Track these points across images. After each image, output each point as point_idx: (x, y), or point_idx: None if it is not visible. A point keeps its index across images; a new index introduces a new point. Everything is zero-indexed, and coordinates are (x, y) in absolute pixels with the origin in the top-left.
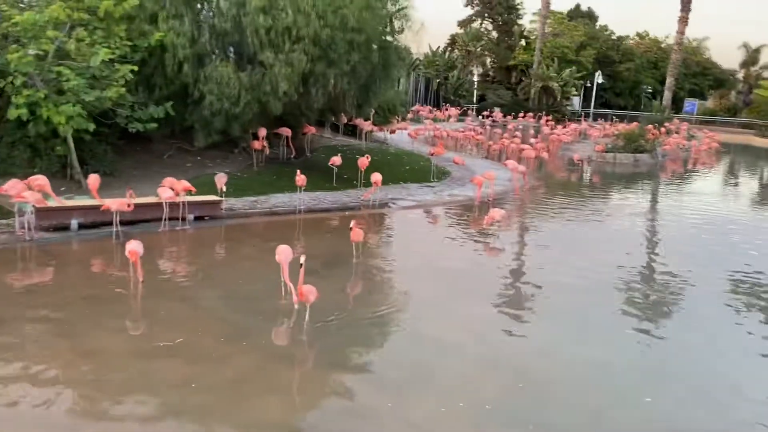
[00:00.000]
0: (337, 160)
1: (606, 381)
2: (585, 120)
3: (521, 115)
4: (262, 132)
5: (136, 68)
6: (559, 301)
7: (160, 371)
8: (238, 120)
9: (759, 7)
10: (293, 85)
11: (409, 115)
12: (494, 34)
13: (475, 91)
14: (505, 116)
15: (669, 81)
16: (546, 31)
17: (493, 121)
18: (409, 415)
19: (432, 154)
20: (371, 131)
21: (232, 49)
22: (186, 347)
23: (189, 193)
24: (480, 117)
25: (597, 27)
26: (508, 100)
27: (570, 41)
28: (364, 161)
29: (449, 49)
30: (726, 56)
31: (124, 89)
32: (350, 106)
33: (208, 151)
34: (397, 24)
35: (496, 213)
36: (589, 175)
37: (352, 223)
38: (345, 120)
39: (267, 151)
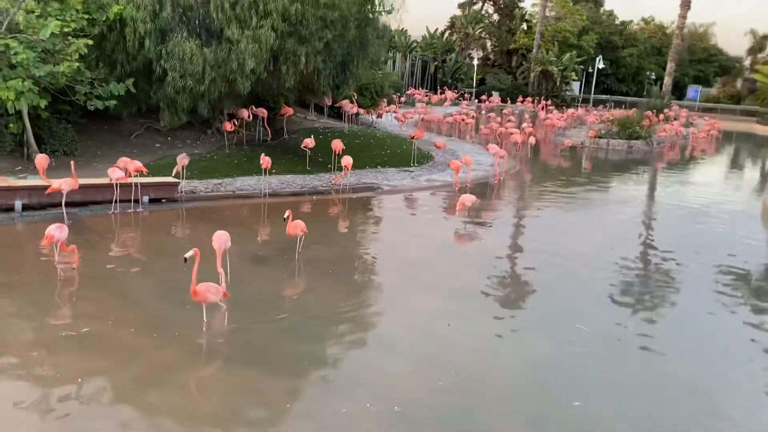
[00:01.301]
0: (309, 142)
1: (542, 383)
2: (582, 106)
3: (519, 99)
4: (243, 113)
5: (91, 42)
6: (520, 296)
7: (53, 363)
8: (205, 99)
9: None
10: (262, 63)
11: (402, 99)
12: (495, 17)
13: (474, 75)
14: (503, 101)
15: (669, 66)
16: (548, 14)
17: (489, 105)
18: (325, 416)
19: (412, 138)
20: (358, 114)
21: (199, 23)
22: (89, 338)
23: (142, 174)
24: (477, 101)
25: (602, 12)
26: (507, 85)
27: (572, 25)
28: (338, 144)
29: (449, 31)
30: (732, 43)
31: (77, 64)
32: (326, 86)
33: (180, 132)
34: (376, 0)
35: (466, 199)
36: (578, 161)
37: (287, 213)
38: (329, 102)
39: (233, 131)
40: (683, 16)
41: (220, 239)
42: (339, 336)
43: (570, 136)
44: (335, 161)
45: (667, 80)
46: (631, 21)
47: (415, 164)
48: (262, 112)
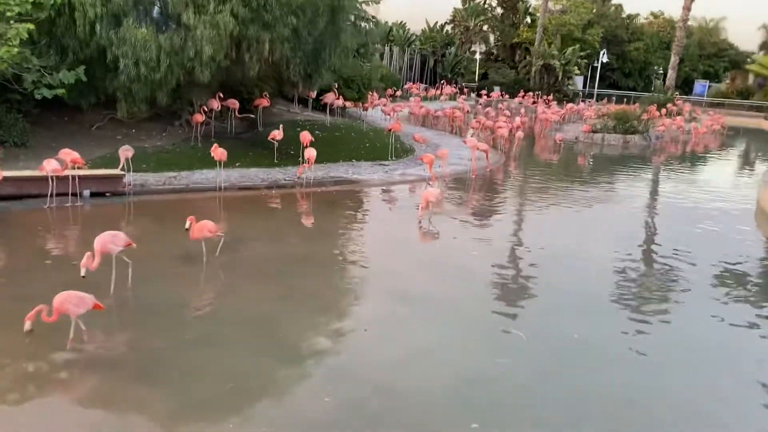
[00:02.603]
0: (277, 134)
1: (458, 400)
2: (584, 100)
3: (521, 94)
4: (212, 104)
5: (32, 27)
6: (466, 299)
7: None
8: (163, 88)
9: None
10: (222, 50)
11: (398, 93)
12: (499, 10)
13: (477, 70)
14: (503, 95)
15: (673, 60)
16: (552, 8)
17: (487, 99)
18: None
19: (390, 130)
20: (344, 107)
21: (157, 9)
22: None
23: (76, 166)
24: (476, 96)
25: (610, 5)
26: (510, 79)
27: (577, 19)
28: (306, 136)
29: (450, 25)
30: (745, 38)
31: (16, 50)
32: (296, 76)
33: (145, 123)
34: None
35: (429, 194)
36: (568, 156)
37: (188, 223)
38: (313, 94)
39: (203, 122)
40: (687, 8)
41: (101, 241)
42: (246, 345)
43: (567, 131)
44: (303, 154)
45: (671, 74)
46: (638, 14)
47: (393, 158)
48: (233, 103)
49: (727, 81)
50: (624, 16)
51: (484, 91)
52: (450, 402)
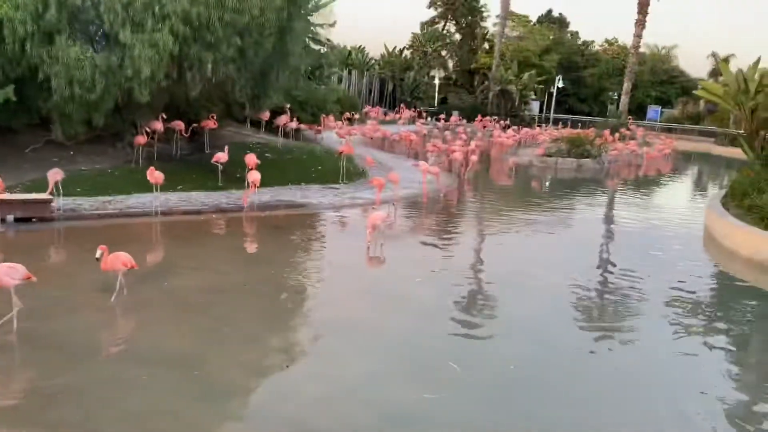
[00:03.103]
0: (222, 156)
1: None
2: (539, 125)
3: (478, 119)
4: (156, 125)
5: None
6: (403, 332)
7: None
8: (100, 109)
9: (729, 18)
10: (162, 69)
11: (356, 116)
12: (457, 36)
13: (436, 94)
14: (461, 119)
15: (626, 86)
16: (511, 34)
17: (445, 124)
18: None
19: (341, 153)
20: (299, 130)
21: (93, 27)
22: None
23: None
24: (434, 120)
25: (568, 32)
26: (468, 104)
27: (534, 45)
28: (251, 159)
29: (409, 50)
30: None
31: None
32: (242, 97)
33: (85, 146)
34: (302, 9)
35: (376, 218)
36: (521, 180)
37: (99, 252)
38: (266, 117)
39: (145, 144)
40: (638, 35)
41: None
42: (160, 385)
43: (522, 155)
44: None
45: (624, 99)
46: (593, 41)
47: (344, 181)
48: (178, 124)
49: (679, 107)
50: (579, 43)
51: (442, 116)
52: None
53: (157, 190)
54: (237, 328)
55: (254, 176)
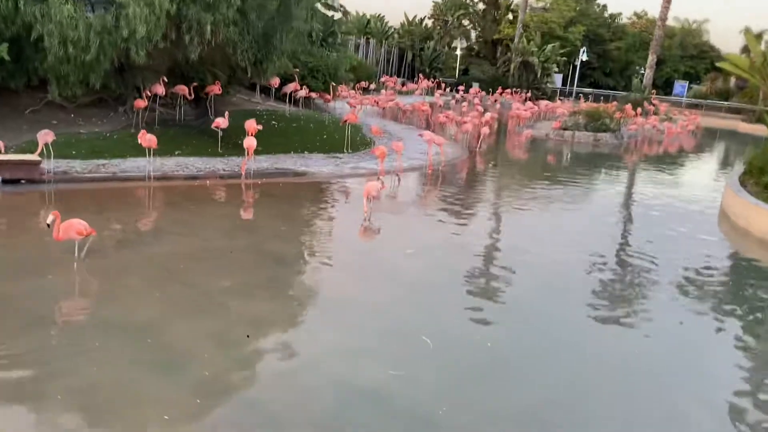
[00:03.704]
0: (222, 122)
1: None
2: (561, 99)
3: (498, 91)
4: (158, 89)
5: None
6: (381, 304)
7: None
8: (97, 70)
9: None
10: (159, 30)
11: (372, 86)
12: (480, 6)
13: (457, 65)
14: (483, 91)
15: (651, 59)
16: (536, 5)
17: (463, 95)
18: None
19: (345, 122)
20: (310, 98)
21: None
22: None
23: None
24: (453, 92)
25: (594, 4)
26: (489, 75)
27: (559, 16)
28: (251, 124)
29: (430, 20)
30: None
31: None
32: (245, 61)
33: (87, 109)
34: None
35: (371, 187)
36: (535, 152)
37: (51, 218)
38: (276, 83)
39: (146, 107)
40: (666, 6)
41: None
42: (117, 354)
43: (539, 128)
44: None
45: (648, 73)
46: (620, 14)
47: (349, 151)
48: (182, 89)
49: (707, 83)
50: (606, 15)
51: (461, 87)
52: (323, 420)
53: (150, 155)
54: (210, 297)
55: (249, 142)
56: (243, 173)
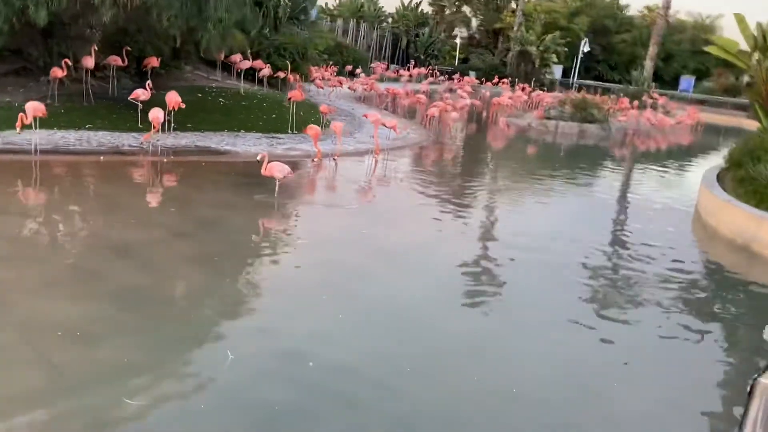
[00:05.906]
0: (141, 93)
1: None
2: (562, 90)
3: (495, 80)
4: (87, 61)
5: None
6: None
7: None
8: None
9: None
10: None
11: (358, 70)
12: None
13: (457, 53)
14: (479, 80)
15: (651, 50)
16: None
17: (450, 83)
18: None
19: (290, 99)
20: (276, 77)
21: None
22: None
23: None
24: (449, 79)
25: None
26: (487, 64)
27: (563, 6)
28: (172, 97)
29: (432, 7)
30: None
31: None
32: (173, 29)
33: (8, 78)
34: None
35: (273, 168)
36: (509, 142)
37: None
38: (221, 57)
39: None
40: None
41: None
42: None
43: (522, 118)
44: (171, 119)
45: (649, 65)
46: (628, 5)
47: (294, 131)
48: (114, 59)
49: (715, 78)
50: (616, 6)
51: (456, 75)
52: None
53: (36, 127)
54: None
55: (154, 114)
56: (146, 140)
